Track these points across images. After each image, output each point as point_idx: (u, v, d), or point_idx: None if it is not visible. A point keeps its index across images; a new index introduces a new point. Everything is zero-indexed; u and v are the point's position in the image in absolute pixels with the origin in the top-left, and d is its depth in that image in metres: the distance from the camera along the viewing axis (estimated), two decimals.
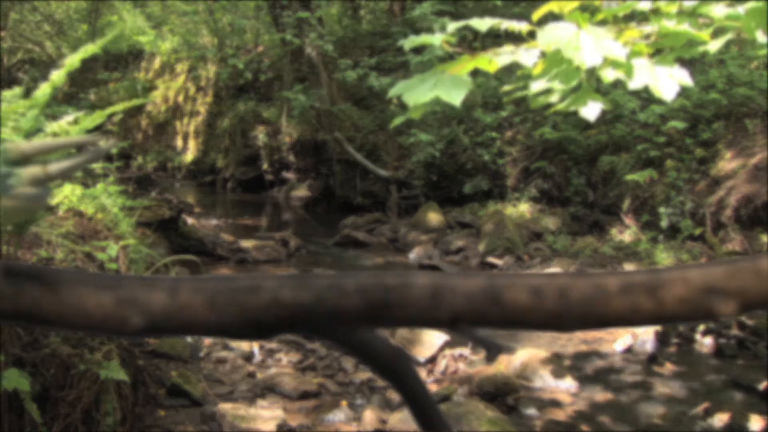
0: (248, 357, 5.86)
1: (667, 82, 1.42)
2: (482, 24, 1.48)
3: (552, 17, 1.49)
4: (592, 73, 1.49)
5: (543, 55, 1.47)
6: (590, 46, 1.34)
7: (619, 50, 1.37)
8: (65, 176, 0.90)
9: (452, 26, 1.52)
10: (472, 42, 10.87)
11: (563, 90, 1.58)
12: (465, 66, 1.45)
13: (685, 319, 0.90)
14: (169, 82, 17.44)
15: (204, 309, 0.88)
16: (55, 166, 0.87)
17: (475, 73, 1.53)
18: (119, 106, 4.30)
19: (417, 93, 1.40)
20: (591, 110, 1.55)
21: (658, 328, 6.46)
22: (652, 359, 6.25)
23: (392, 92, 1.47)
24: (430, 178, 12.04)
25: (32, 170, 0.86)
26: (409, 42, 1.55)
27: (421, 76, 1.44)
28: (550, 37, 1.39)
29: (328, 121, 13.17)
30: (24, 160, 0.87)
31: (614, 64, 1.42)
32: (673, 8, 1.53)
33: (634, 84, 1.43)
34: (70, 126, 4.03)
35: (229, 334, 0.91)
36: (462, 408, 4.87)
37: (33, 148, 0.88)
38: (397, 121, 1.95)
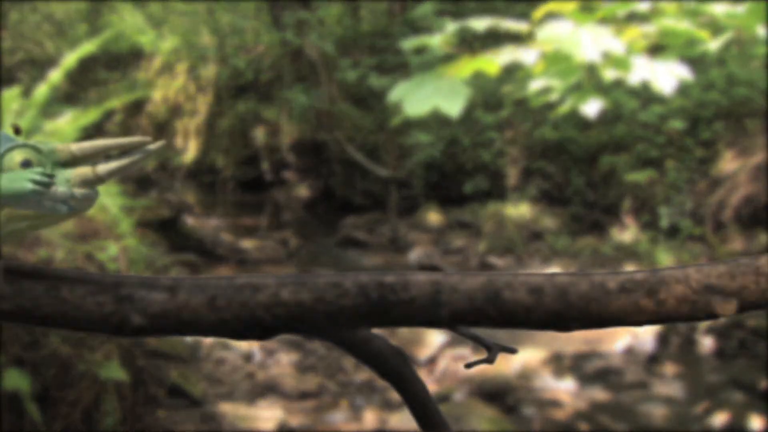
0: (248, 357, 5.86)
1: (665, 76, 1.42)
2: (480, 24, 1.49)
3: (552, 19, 1.49)
4: (592, 72, 1.50)
5: (543, 55, 1.47)
6: (588, 41, 1.35)
7: (616, 45, 1.37)
8: (114, 177, 0.90)
9: (451, 27, 1.53)
10: (472, 42, 10.86)
11: (563, 88, 1.58)
12: (466, 67, 1.46)
13: (685, 319, 0.90)
14: (169, 82, 17.43)
15: (204, 309, 0.88)
16: (104, 167, 0.87)
17: (476, 72, 1.54)
18: (114, 102, 4.30)
19: (416, 100, 1.41)
20: (591, 108, 1.55)
21: (658, 328, 6.45)
22: (652, 359, 6.24)
23: (391, 96, 1.48)
24: (430, 178, 12.04)
25: (82, 171, 0.86)
26: (409, 43, 1.56)
27: (420, 78, 1.44)
28: (550, 34, 1.40)
29: (328, 121, 13.17)
30: (73, 161, 0.87)
31: (613, 60, 1.42)
32: (673, 7, 1.54)
33: (632, 79, 1.44)
34: (66, 124, 4.04)
35: (229, 334, 0.91)
36: (462, 408, 4.87)
37: (82, 149, 0.87)
38: (396, 120, 1.95)
